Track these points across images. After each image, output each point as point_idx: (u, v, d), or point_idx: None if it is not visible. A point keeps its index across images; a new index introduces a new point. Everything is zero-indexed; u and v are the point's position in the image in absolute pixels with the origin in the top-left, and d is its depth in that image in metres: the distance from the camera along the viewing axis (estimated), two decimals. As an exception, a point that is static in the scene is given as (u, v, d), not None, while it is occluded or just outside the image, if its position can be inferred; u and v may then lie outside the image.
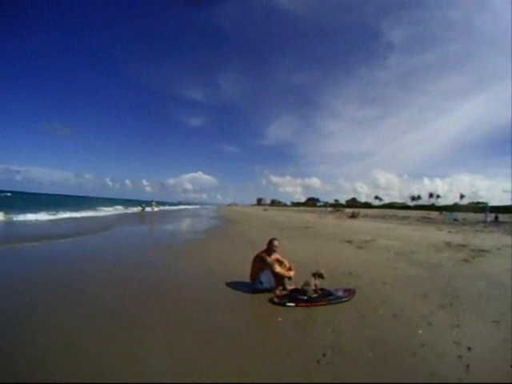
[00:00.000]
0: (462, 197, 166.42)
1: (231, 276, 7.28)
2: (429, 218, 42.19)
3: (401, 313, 5.24)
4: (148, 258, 9.72)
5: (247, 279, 6.60)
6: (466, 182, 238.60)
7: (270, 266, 6.28)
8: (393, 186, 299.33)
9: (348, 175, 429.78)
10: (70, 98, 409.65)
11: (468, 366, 3.49)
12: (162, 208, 69.24)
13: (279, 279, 6.31)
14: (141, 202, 48.01)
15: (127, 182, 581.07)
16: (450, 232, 20.66)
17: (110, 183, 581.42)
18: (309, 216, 48.50)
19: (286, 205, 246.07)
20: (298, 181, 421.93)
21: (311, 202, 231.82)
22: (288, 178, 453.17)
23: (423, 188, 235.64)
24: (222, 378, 3.20)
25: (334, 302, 5.66)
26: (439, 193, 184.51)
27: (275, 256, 6.58)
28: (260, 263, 6.42)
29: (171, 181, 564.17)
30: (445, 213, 62.13)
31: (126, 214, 39.78)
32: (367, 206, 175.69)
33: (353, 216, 45.36)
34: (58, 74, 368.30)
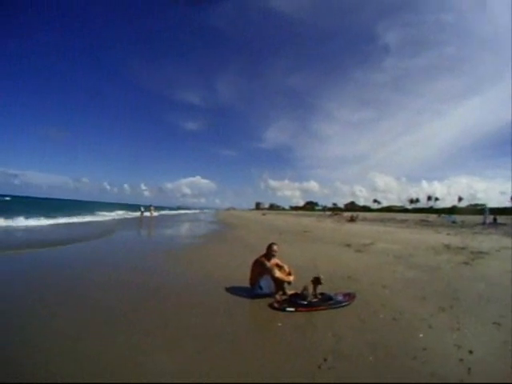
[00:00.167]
0: (460, 199, 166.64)
1: (230, 281, 7.26)
2: (427, 221, 42.17)
3: (401, 316, 5.23)
4: (147, 263, 9.69)
5: (246, 284, 6.58)
6: (464, 184, 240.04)
7: (269, 271, 6.26)
8: (391, 189, 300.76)
9: (345, 179, 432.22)
10: (67, 102, 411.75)
11: (470, 368, 3.48)
12: (162, 213, 69.27)
13: (279, 284, 6.29)
14: (139, 206, 47.66)
15: (125, 186, 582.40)
16: (448, 234, 20.67)
17: (109, 187, 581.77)
18: (307, 220, 48.49)
19: (284, 209, 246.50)
20: (297, 184, 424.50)
21: (309, 206, 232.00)
22: (286, 181, 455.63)
23: (421, 191, 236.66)
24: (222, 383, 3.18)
25: (334, 307, 5.64)
26: (437, 195, 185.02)
27: (274, 261, 6.56)
28: (259, 268, 6.40)
29: (169, 185, 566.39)
30: (443, 215, 62.24)
31: (126, 218, 39.60)
32: (366, 209, 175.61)
33: (351, 220, 45.28)
34: (56, 76, 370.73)
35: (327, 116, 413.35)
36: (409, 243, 15.54)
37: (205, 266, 9.39)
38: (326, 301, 5.74)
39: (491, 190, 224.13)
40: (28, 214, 27.10)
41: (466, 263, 9.94)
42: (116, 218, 39.12)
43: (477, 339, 4.34)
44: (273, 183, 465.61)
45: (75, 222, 26.06)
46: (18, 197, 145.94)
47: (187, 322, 4.84)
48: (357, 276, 8.13)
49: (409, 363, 3.66)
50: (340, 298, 5.95)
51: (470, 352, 3.91)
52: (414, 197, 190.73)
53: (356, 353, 3.91)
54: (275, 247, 6.58)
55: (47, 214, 30.23)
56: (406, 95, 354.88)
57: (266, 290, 6.24)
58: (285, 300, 5.95)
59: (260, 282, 6.26)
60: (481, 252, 12.18)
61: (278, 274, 6.27)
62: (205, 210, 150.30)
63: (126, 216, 45.62)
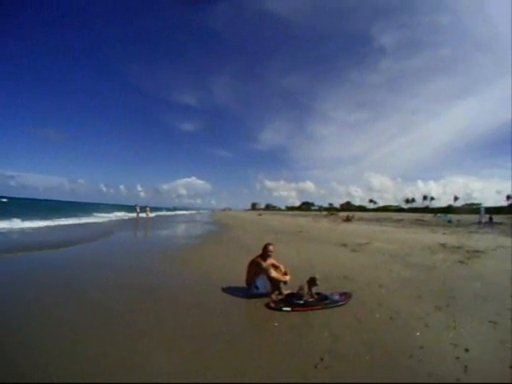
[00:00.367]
0: (455, 199, 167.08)
1: (226, 281, 7.25)
2: (423, 221, 42.29)
3: (397, 315, 5.23)
4: (143, 264, 9.64)
5: (243, 284, 6.56)
6: (460, 183, 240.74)
7: (265, 271, 6.25)
8: (387, 189, 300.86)
9: (341, 179, 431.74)
10: (63, 103, 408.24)
11: (466, 367, 3.49)
12: (159, 213, 69.25)
13: (275, 284, 6.28)
14: (135, 206, 47.27)
15: (122, 187, 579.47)
16: (444, 234, 20.72)
17: (105, 189, 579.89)
18: (303, 220, 48.51)
19: (280, 209, 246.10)
20: (292, 185, 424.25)
21: (305, 206, 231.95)
22: (282, 182, 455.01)
23: (417, 190, 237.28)
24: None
25: (331, 306, 5.64)
26: (433, 195, 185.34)
27: (270, 261, 6.56)
28: (255, 268, 6.39)
29: (165, 186, 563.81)
30: (439, 215, 62.47)
31: (122, 220, 39.42)
32: (361, 209, 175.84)
33: (347, 219, 45.33)
34: (52, 77, 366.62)
35: (323, 117, 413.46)
36: (405, 243, 15.56)
37: (201, 266, 9.38)
38: (322, 300, 5.74)
39: (487, 190, 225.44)
40: (25, 216, 27.01)
41: (462, 262, 9.96)
42: (113, 219, 38.94)
43: (473, 338, 4.34)
44: (269, 184, 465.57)
45: (72, 224, 25.82)
46: (15, 198, 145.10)
47: (184, 323, 4.83)
48: (353, 275, 8.13)
49: (405, 362, 3.66)
50: (336, 297, 5.95)
51: (467, 350, 3.91)
52: (410, 196, 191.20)
53: (352, 352, 3.91)
54: (271, 247, 6.57)
55: (44, 216, 30.13)
56: (401, 96, 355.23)
57: (262, 290, 6.23)
58: (281, 300, 5.94)
59: (256, 282, 6.25)
60: (477, 251, 12.21)
61: (274, 273, 6.27)
62: (201, 211, 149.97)
63: (123, 217, 45.33)
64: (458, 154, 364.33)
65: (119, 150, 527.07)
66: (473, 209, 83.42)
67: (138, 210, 45.49)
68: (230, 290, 6.63)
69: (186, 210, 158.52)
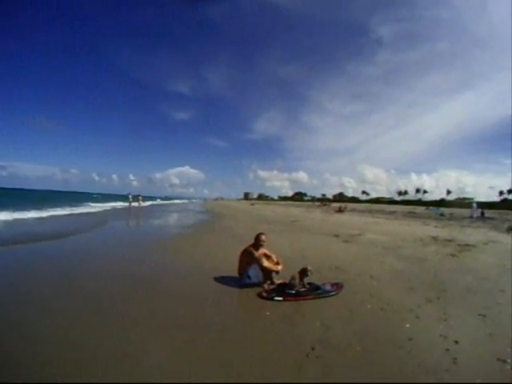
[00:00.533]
0: (448, 192, 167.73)
1: (219, 271, 7.24)
2: (415, 213, 42.43)
3: (388, 307, 5.26)
4: (136, 254, 9.63)
5: (235, 274, 6.57)
6: (453, 177, 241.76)
7: (257, 261, 6.26)
8: (380, 181, 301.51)
9: (334, 170, 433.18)
10: (53, 90, 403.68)
11: (455, 358, 3.52)
12: (153, 203, 69.32)
13: (267, 273, 6.29)
14: (128, 194, 46.87)
15: (114, 176, 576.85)
16: (436, 227, 20.81)
17: (97, 178, 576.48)
18: (296, 210, 48.51)
19: (273, 199, 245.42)
20: (286, 175, 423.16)
21: (298, 197, 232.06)
22: (275, 172, 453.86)
23: (410, 183, 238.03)
24: (210, 373, 3.17)
25: (322, 296, 5.67)
26: (426, 188, 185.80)
27: (263, 250, 6.56)
28: (248, 257, 6.39)
29: (158, 175, 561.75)
30: (431, 208, 62.68)
31: (114, 209, 39.00)
32: (354, 200, 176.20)
33: (340, 210, 45.38)
34: (41, 64, 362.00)
35: (318, 108, 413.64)
36: (397, 234, 15.63)
37: (193, 255, 9.38)
38: (314, 290, 5.77)
39: (480, 185, 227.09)
40: (17, 207, 26.61)
41: (454, 255, 10.02)
42: (106, 209, 38.58)
43: (463, 330, 4.38)
44: (262, 173, 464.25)
45: (64, 215, 25.51)
46: (6, 189, 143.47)
47: (176, 312, 4.83)
48: (345, 266, 8.16)
49: (395, 353, 3.69)
50: (328, 287, 5.97)
51: (456, 342, 3.95)
52: (403, 189, 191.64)
53: (344, 342, 3.93)
54: (263, 237, 6.57)
55: (36, 207, 29.63)
56: (397, 89, 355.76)
57: (254, 280, 6.24)
58: (273, 289, 5.96)
59: (248, 272, 6.26)
60: (468, 245, 12.27)
61: (266, 263, 6.28)
62: (193, 200, 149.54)
63: (116, 206, 44.77)
64: (452, 148, 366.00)
65: (112, 139, 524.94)
66: (465, 203, 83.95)
67: (131, 199, 45.22)
68: (222, 280, 6.64)
69: (179, 199, 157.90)
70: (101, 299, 5.39)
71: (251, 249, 6.48)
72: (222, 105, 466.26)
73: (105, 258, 8.92)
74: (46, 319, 4.49)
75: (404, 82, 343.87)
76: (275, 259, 6.57)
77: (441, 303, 5.49)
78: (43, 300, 5.31)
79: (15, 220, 18.37)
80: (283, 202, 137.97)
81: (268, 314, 4.92)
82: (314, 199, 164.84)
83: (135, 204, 44.54)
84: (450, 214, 40.65)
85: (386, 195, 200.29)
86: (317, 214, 37.09)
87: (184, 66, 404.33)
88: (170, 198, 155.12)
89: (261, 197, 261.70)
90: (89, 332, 4.08)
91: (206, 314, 4.82)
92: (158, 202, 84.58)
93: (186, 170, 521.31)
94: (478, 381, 3.13)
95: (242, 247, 6.74)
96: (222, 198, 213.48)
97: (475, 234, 16.41)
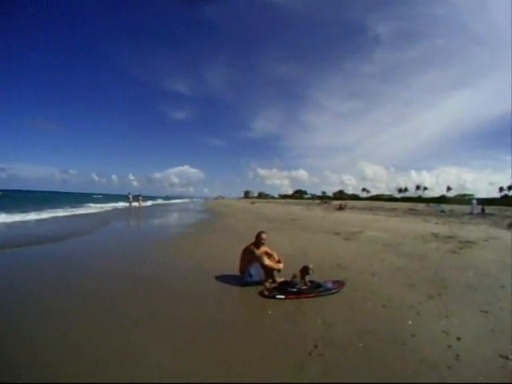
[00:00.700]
0: (448, 189, 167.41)
1: (219, 269, 7.24)
2: (416, 210, 42.40)
3: (389, 304, 5.26)
4: (136, 254, 9.63)
5: (236, 272, 6.57)
6: (453, 174, 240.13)
7: (258, 259, 6.26)
8: (380, 178, 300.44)
9: (334, 168, 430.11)
10: (52, 91, 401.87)
11: (458, 355, 3.52)
12: (154, 202, 69.55)
13: (268, 272, 6.29)
14: (128, 194, 46.58)
15: (113, 176, 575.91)
16: (436, 223, 20.80)
17: (97, 178, 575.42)
18: (296, 208, 48.49)
19: (273, 197, 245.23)
20: (285, 173, 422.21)
21: (298, 195, 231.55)
22: (275, 170, 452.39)
23: (410, 180, 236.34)
24: (211, 372, 3.17)
25: (324, 294, 5.66)
26: (426, 185, 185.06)
27: (264, 249, 6.56)
28: (249, 256, 6.39)
29: (158, 175, 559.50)
30: (432, 205, 62.64)
31: (115, 209, 38.87)
32: (354, 198, 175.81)
33: (340, 208, 45.31)
34: (39, 64, 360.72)
35: (316, 106, 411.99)
36: (397, 232, 15.62)
37: (194, 255, 9.38)
38: (316, 288, 5.76)
39: (480, 181, 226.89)
40: (17, 209, 26.57)
41: (454, 252, 10.01)
42: (106, 209, 38.40)
43: (465, 327, 4.37)
44: (261, 172, 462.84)
45: (66, 216, 25.31)
46: (6, 190, 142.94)
47: (176, 312, 4.83)
48: (346, 264, 8.15)
49: (397, 350, 3.69)
50: (329, 285, 5.97)
51: (458, 339, 3.95)
52: (403, 186, 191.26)
53: (345, 340, 3.93)
54: (264, 235, 6.57)
55: (36, 208, 29.50)
56: (395, 87, 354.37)
57: (255, 278, 6.24)
58: (274, 288, 5.95)
59: (250, 270, 6.26)
60: (469, 241, 12.26)
61: (267, 261, 6.28)
62: (194, 199, 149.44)
63: (116, 207, 44.49)
64: (451, 144, 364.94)
65: (111, 139, 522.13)
66: (465, 199, 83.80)
67: (131, 199, 45.09)
68: (224, 279, 6.64)
69: (180, 198, 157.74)
70: (101, 299, 5.40)
71: (252, 247, 6.47)
72: (221, 104, 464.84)
73: (105, 258, 8.93)
74: (46, 319, 4.50)
75: (401, 80, 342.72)
76: (276, 257, 6.56)
77: (442, 300, 5.49)
78: (43, 300, 5.33)
79: (15, 222, 18.29)
80: (283, 201, 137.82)
81: (270, 312, 4.92)
82: (314, 197, 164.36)
83: (135, 204, 44.35)
84: (451, 210, 40.57)
85: (386, 192, 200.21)
86: (317, 212, 37.07)
87: (183, 65, 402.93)
88: (170, 198, 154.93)
89: (261, 195, 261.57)
90: (89, 332, 4.08)
91: (207, 313, 4.81)
92: (160, 201, 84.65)
93: (186, 169, 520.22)
94: (481, 378, 3.13)
95: (243, 246, 6.74)
96: (223, 197, 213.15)
97: (476, 231, 16.40)
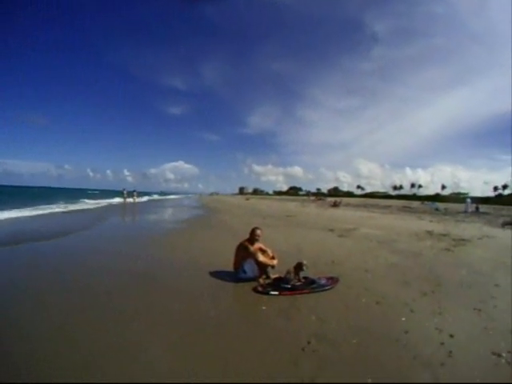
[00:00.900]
0: (443, 187, 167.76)
1: (214, 265, 7.24)
2: (410, 208, 42.57)
3: (383, 300, 5.27)
4: (131, 250, 9.58)
5: (230, 268, 6.56)
6: (448, 172, 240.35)
7: (253, 255, 6.26)
8: (375, 176, 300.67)
9: (329, 165, 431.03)
10: (46, 86, 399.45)
11: (451, 351, 3.54)
12: (150, 198, 69.34)
13: (262, 268, 6.30)
14: (122, 190, 46.25)
15: (108, 172, 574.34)
16: (431, 221, 20.88)
17: (91, 174, 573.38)
18: (291, 205, 48.53)
19: (268, 193, 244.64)
20: (280, 170, 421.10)
21: (293, 191, 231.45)
22: (270, 166, 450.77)
23: (405, 178, 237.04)
24: (207, 368, 3.17)
25: (318, 290, 5.68)
26: (421, 183, 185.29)
27: (258, 245, 6.56)
28: (243, 252, 6.39)
29: (153, 170, 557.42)
30: (426, 202, 62.83)
31: (110, 205, 38.60)
32: (349, 195, 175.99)
33: (335, 205, 45.39)
34: (36, 59, 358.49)
35: (313, 102, 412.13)
36: (392, 229, 15.68)
37: (188, 251, 9.39)
38: (310, 284, 5.77)
39: (475, 180, 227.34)
40: (12, 205, 26.36)
41: (448, 250, 10.05)
42: (102, 205, 38.30)
43: (458, 324, 4.39)
44: (257, 168, 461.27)
45: (61, 212, 25.08)
46: (2, 186, 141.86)
47: (171, 308, 4.83)
48: (340, 260, 8.18)
49: (391, 346, 3.71)
50: (323, 281, 5.98)
51: (451, 336, 3.96)
52: (398, 183, 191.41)
53: (339, 336, 3.94)
54: (258, 231, 6.57)
55: (32, 204, 29.37)
56: (392, 84, 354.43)
57: (249, 274, 6.24)
58: (268, 284, 5.97)
59: (244, 266, 6.25)
60: (463, 239, 12.31)
61: (261, 257, 6.29)
62: (189, 195, 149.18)
63: (112, 202, 44.26)
64: (446, 143, 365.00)
65: (106, 134, 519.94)
66: (460, 198, 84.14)
67: (125, 194, 44.86)
68: (218, 275, 6.64)
69: (175, 194, 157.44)
70: (97, 295, 5.39)
71: (246, 243, 6.47)
72: (217, 100, 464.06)
73: (100, 253, 8.91)
74: (42, 313, 4.52)
75: (399, 78, 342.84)
76: (270, 254, 6.57)
77: (436, 297, 5.51)
78: (39, 294, 5.34)
79: (9, 219, 18.08)
80: (278, 197, 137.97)
81: (264, 308, 4.92)
82: (308, 194, 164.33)
83: (130, 200, 44.16)
84: (445, 208, 40.74)
85: (381, 190, 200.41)
86: (312, 209, 37.14)
87: (178, 61, 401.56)
88: (165, 194, 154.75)
89: (256, 191, 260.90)
90: (85, 327, 4.09)
91: (202, 309, 4.81)
92: (155, 197, 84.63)
93: (180, 164, 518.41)
94: (474, 375, 3.14)
95: (237, 242, 6.73)
96: (218, 193, 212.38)
97: (470, 229, 16.48)
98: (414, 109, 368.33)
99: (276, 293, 5.54)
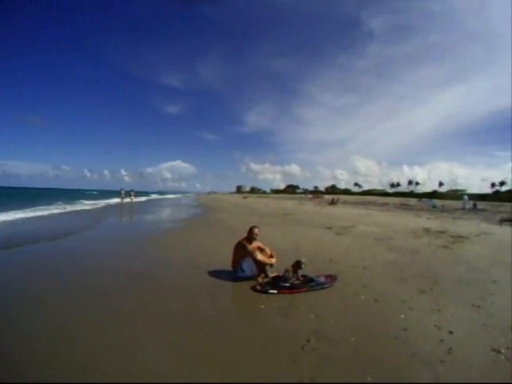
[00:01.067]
0: (440, 184, 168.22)
1: (212, 264, 7.23)
2: (408, 205, 42.64)
3: (382, 298, 5.27)
4: (130, 250, 9.56)
5: (229, 267, 6.55)
6: (445, 169, 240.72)
7: (251, 254, 6.25)
8: (372, 173, 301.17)
9: (326, 162, 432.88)
10: (45, 85, 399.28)
11: (450, 348, 3.54)
12: (149, 198, 69.27)
13: (261, 267, 6.29)
14: (120, 190, 45.94)
15: (105, 172, 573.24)
16: (428, 218, 20.92)
17: (89, 174, 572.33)
18: (288, 203, 48.56)
19: (265, 192, 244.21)
20: (278, 168, 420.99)
21: (291, 189, 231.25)
22: (267, 165, 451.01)
23: (402, 175, 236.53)
24: (205, 367, 3.16)
25: (316, 289, 5.67)
26: (418, 180, 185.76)
27: (256, 243, 6.55)
28: (241, 251, 6.38)
29: (150, 170, 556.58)
30: (424, 199, 62.95)
31: (108, 206, 38.33)
32: (347, 192, 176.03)
33: (332, 203, 45.48)
34: (33, 60, 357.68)
35: (310, 100, 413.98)
36: (389, 226, 15.70)
37: (187, 250, 9.38)
38: (308, 283, 5.76)
39: (472, 177, 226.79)
40: (12, 206, 26.19)
41: (446, 247, 10.07)
42: (100, 206, 38.15)
43: (456, 321, 4.40)
44: (254, 166, 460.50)
45: (59, 213, 24.96)
46: (0, 187, 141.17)
47: (170, 307, 4.82)
48: (338, 258, 8.18)
49: (390, 344, 3.70)
50: (321, 279, 5.98)
51: (450, 333, 3.97)
52: (395, 181, 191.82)
53: (338, 334, 3.94)
54: (256, 230, 6.56)
55: (30, 205, 29.23)
56: (389, 81, 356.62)
57: (248, 273, 6.23)
58: (267, 282, 5.96)
59: (242, 265, 6.24)
60: (460, 236, 12.32)
61: (259, 256, 6.27)
62: (187, 195, 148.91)
63: (109, 203, 43.77)
64: (443, 140, 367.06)
65: (103, 134, 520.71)
66: (457, 195, 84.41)
67: (123, 194, 44.57)
68: (216, 274, 6.63)
69: (173, 193, 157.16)
70: (95, 295, 5.39)
71: (244, 242, 6.46)
72: (214, 98, 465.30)
73: (99, 254, 8.89)
74: (42, 313, 4.52)
75: (395, 75, 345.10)
76: (269, 252, 6.55)
77: (434, 294, 5.51)
78: (38, 296, 5.32)
79: (7, 221, 17.89)
80: (275, 195, 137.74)
81: (262, 307, 4.91)
82: (306, 192, 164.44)
83: (127, 200, 43.96)
84: (442, 205, 40.86)
85: (379, 187, 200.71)
86: (309, 207, 37.18)
87: (176, 59, 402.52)
88: (163, 193, 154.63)
89: (253, 190, 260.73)
90: (84, 327, 4.08)
91: (200, 308, 4.80)
92: (154, 196, 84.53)
93: (178, 164, 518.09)
94: (473, 372, 3.14)
95: (236, 241, 6.72)
96: (215, 192, 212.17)
97: (467, 226, 16.51)
98: (411, 106, 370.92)
99: (274, 291, 5.53)
